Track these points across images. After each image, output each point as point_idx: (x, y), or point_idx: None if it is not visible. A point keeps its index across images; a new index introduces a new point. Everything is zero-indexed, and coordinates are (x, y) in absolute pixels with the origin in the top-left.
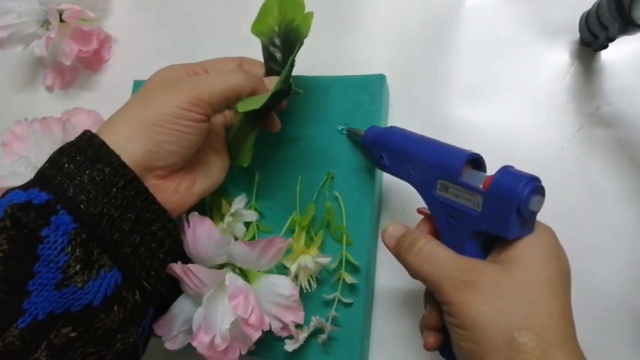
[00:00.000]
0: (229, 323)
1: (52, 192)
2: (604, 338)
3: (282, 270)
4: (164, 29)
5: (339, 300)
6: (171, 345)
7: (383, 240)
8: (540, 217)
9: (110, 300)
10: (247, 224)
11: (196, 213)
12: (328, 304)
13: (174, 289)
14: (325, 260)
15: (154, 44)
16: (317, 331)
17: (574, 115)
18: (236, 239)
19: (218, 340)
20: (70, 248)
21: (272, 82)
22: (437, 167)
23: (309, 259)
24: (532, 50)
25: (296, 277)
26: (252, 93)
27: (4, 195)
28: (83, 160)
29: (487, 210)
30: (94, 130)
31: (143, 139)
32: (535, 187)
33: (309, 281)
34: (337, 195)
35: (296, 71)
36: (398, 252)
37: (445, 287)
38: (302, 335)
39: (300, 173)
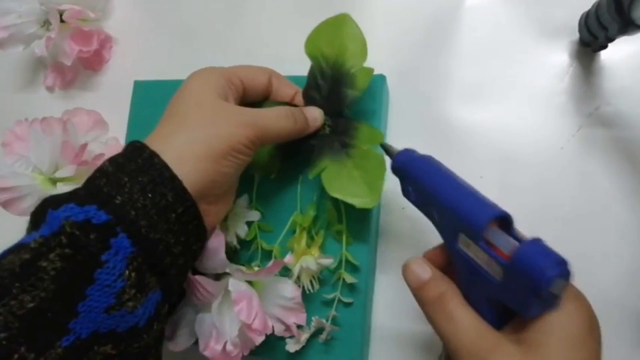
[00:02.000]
0: (237, 330)
1: (112, 212)
2: (605, 338)
3: (285, 272)
4: (164, 29)
5: (339, 300)
6: (175, 346)
7: (404, 275)
8: (540, 217)
9: (152, 319)
10: (249, 223)
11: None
12: (328, 303)
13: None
14: (327, 261)
15: (154, 44)
16: (318, 331)
17: (574, 115)
18: (238, 238)
19: (230, 347)
20: (127, 273)
21: (309, 112)
22: (460, 221)
23: (312, 261)
24: (531, 50)
25: (298, 278)
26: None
27: (49, 204)
28: (146, 183)
29: (507, 282)
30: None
31: (209, 170)
32: (560, 271)
33: (311, 282)
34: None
35: (296, 71)
36: (421, 299)
37: (462, 359)
38: (304, 336)
39: (300, 173)
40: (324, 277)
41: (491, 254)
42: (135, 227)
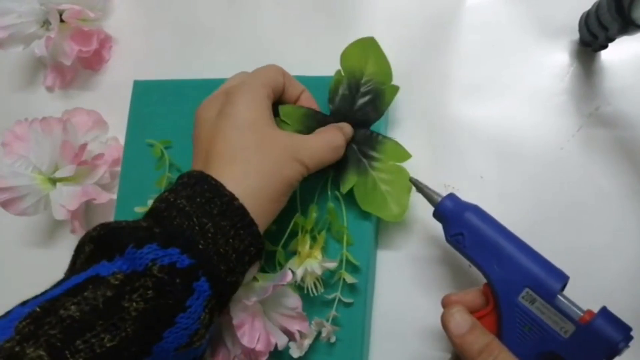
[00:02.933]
0: (240, 350)
1: (195, 257)
2: None
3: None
4: (164, 29)
5: (339, 300)
6: None
7: (445, 323)
8: (540, 216)
9: (207, 347)
10: None
11: None
12: (328, 304)
13: None
14: (331, 265)
15: (154, 44)
16: (319, 333)
17: (574, 115)
18: None
19: None
20: (203, 315)
21: (345, 130)
22: (532, 278)
23: (316, 264)
24: (531, 50)
25: (302, 280)
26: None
27: (126, 237)
28: (228, 228)
29: (575, 341)
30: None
31: (274, 210)
32: (629, 341)
33: (315, 284)
34: (337, 195)
35: (297, 71)
36: (465, 349)
37: None
38: (307, 342)
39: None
40: (326, 278)
41: (567, 314)
42: (216, 271)
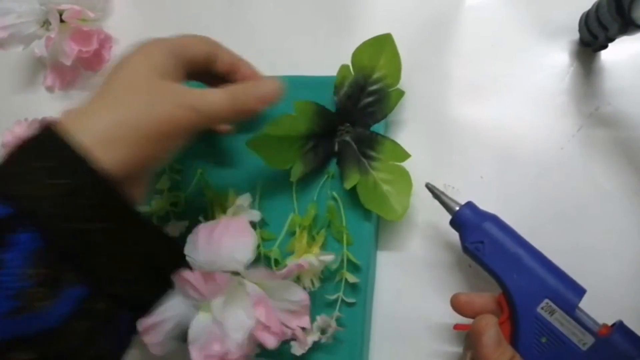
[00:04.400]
0: (247, 333)
1: (12, 205)
2: None
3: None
4: (164, 29)
5: (342, 300)
6: (157, 350)
7: (478, 331)
8: (540, 216)
9: (73, 317)
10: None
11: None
12: (329, 304)
13: (158, 287)
14: (328, 257)
15: None
16: (321, 331)
17: (574, 115)
18: None
19: (233, 350)
20: (31, 271)
21: (259, 88)
22: (552, 289)
23: (313, 258)
24: (531, 50)
25: (298, 277)
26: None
27: None
28: (54, 168)
29: (593, 354)
30: None
31: (138, 155)
32: None
33: (312, 280)
34: (335, 196)
35: (297, 72)
36: (486, 355)
37: None
38: (310, 339)
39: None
40: (325, 278)
41: (587, 326)
42: (39, 218)
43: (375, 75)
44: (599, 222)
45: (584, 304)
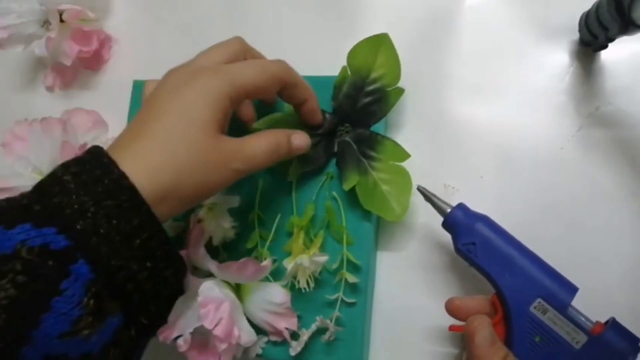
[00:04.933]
0: (193, 328)
1: (73, 238)
2: None
3: (278, 276)
4: (164, 29)
5: (342, 301)
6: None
7: (471, 332)
8: (540, 217)
9: (108, 345)
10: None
11: (201, 212)
12: (329, 304)
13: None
14: (322, 258)
15: (154, 44)
16: (319, 331)
17: (574, 115)
18: (225, 241)
19: (180, 342)
20: (85, 300)
21: (296, 139)
22: (544, 288)
23: (306, 258)
24: (531, 50)
25: (294, 277)
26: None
27: (1, 220)
28: (112, 208)
29: (587, 352)
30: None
31: (184, 207)
32: (638, 349)
33: (307, 281)
34: (335, 196)
35: (299, 72)
36: (480, 355)
37: None
38: (305, 337)
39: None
40: (325, 279)
41: (579, 325)
42: (96, 253)
43: (373, 75)
44: (598, 222)
45: (581, 302)
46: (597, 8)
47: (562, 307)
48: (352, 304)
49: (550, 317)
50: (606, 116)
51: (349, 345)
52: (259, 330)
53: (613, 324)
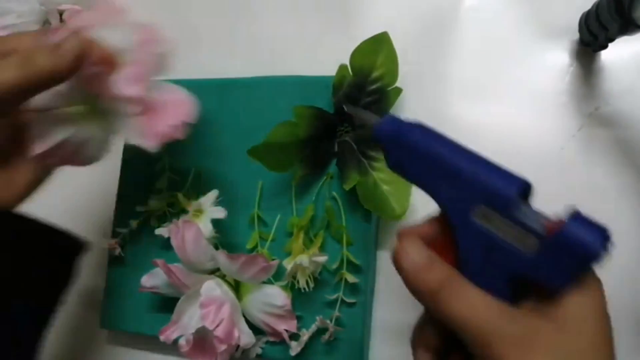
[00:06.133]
0: (195, 329)
1: None
2: None
3: (277, 277)
4: (163, 29)
5: (342, 301)
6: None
7: (397, 260)
8: None
9: None
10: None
11: (186, 217)
12: (330, 304)
13: (60, 271)
14: (322, 258)
15: None
16: (319, 331)
17: (574, 115)
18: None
19: (182, 342)
20: None
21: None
22: (482, 190)
23: (305, 258)
24: (531, 50)
25: (293, 277)
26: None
27: None
28: None
29: (542, 257)
30: None
31: None
32: (607, 245)
33: (307, 281)
34: (335, 196)
35: (295, 72)
36: (421, 286)
37: (494, 343)
38: (305, 337)
39: (292, 179)
40: (325, 279)
41: (527, 227)
42: None
43: (374, 75)
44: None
45: None
46: (597, 8)
47: (506, 208)
48: (352, 304)
49: (495, 224)
50: (606, 116)
51: (349, 345)
52: (257, 330)
53: (572, 217)
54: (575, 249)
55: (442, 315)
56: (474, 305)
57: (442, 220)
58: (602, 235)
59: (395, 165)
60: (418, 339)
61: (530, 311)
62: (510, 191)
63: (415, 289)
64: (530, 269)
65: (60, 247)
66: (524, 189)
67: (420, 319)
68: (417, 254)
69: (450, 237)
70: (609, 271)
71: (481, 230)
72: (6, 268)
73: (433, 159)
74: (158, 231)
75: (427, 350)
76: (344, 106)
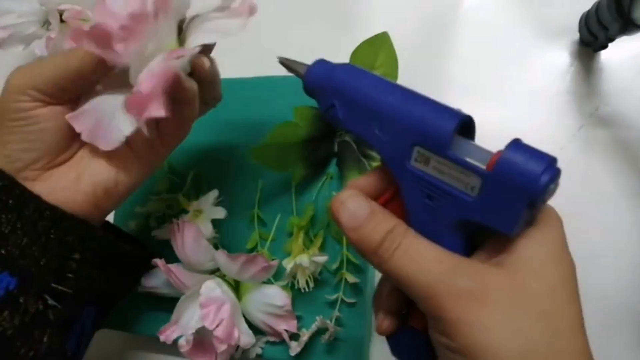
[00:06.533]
0: (195, 329)
1: None
2: (605, 339)
3: (277, 277)
4: None
5: (342, 301)
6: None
7: (335, 215)
8: None
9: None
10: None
11: (186, 217)
12: (329, 304)
13: (128, 280)
14: (322, 258)
15: None
16: (320, 331)
17: (574, 115)
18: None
19: (182, 342)
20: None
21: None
22: (416, 131)
23: (305, 258)
24: (531, 50)
25: (293, 277)
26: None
27: None
28: None
29: (486, 197)
30: None
31: None
32: (554, 173)
33: (307, 281)
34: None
35: None
36: (364, 242)
37: (442, 299)
38: (305, 337)
39: (292, 179)
40: (326, 279)
41: (466, 165)
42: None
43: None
44: (598, 222)
45: (585, 303)
46: (597, 8)
47: (442, 148)
48: (352, 304)
49: (434, 167)
50: (606, 116)
51: (349, 345)
52: (257, 330)
53: (511, 146)
54: (514, 180)
55: (386, 272)
56: (419, 259)
57: (387, 170)
58: (545, 164)
59: (327, 114)
60: (377, 301)
61: (484, 262)
62: (445, 128)
63: (357, 245)
64: (476, 213)
65: (134, 259)
66: (464, 124)
67: (380, 280)
68: (356, 207)
69: (392, 186)
70: (610, 270)
71: (420, 175)
72: (89, 277)
73: (363, 100)
74: (155, 233)
75: (387, 312)
76: (277, 58)
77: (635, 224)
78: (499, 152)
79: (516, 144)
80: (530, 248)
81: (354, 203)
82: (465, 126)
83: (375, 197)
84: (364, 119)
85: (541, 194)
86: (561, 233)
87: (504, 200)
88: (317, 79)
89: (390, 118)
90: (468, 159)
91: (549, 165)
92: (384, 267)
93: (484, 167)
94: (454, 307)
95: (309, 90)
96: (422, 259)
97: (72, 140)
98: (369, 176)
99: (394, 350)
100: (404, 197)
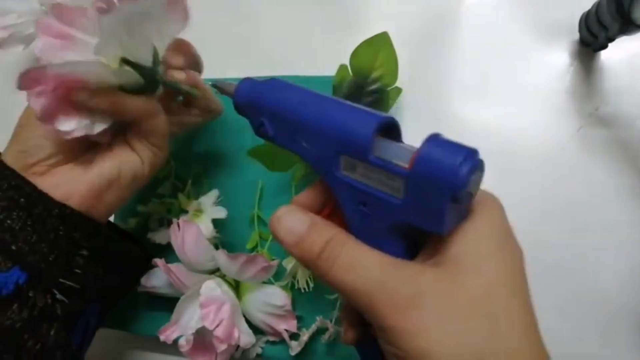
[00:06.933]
0: (195, 329)
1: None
2: (605, 338)
3: (276, 278)
4: None
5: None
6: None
7: (274, 232)
8: (540, 217)
9: (7, 299)
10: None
11: (186, 217)
12: (330, 304)
13: (129, 279)
14: None
15: None
16: (320, 331)
17: (574, 115)
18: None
19: (182, 342)
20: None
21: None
22: (338, 140)
23: None
24: (531, 50)
25: (293, 277)
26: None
27: None
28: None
29: (411, 197)
30: None
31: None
32: (474, 164)
33: (307, 281)
34: None
35: (296, 71)
36: (304, 256)
37: (380, 307)
38: (305, 337)
39: (293, 179)
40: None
41: (387, 168)
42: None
43: (374, 75)
44: (598, 222)
45: (580, 303)
46: (597, 8)
47: (363, 153)
48: None
49: (361, 173)
50: (606, 116)
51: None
52: (257, 330)
53: (427, 144)
54: (433, 175)
55: (329, 283)
56: (359, 268)
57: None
58: (463, 155)
59: (259, 131)
60: (342, 314)
61: (424, 264)
62: (363, 133)
63: (300, 260)
64: (405, 215)
65: (135, 258)
66: (387, 126)
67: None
68: (293, 222)
69: (330, 199)
70: (610, 270)
71: (350, 183)
72: (95, 273)
73: (291, 116)
74: (151, 235)
75: (350, 323)
76: (210, 84)
77: (635, 223)
78: (417, 151)
79: (433, 139)
80: (464, 244)
81: (290, 219)
82: (389, 128)
83: (318, 210)
84: (291, 133)
85: (462, 186)
86: (500, 222)
87: (427, 198)
88: (245, 99)
89: (313, 129)
90: (394, 161)
91: (468, 156)
92: (326, 279)
93: (406, 166)
94: (393, 315)
95: (238, 110)
96: (362, 268)
97: (88, 148)
98: (311, 190)
99: (362, 359)
100: (342, 207)
